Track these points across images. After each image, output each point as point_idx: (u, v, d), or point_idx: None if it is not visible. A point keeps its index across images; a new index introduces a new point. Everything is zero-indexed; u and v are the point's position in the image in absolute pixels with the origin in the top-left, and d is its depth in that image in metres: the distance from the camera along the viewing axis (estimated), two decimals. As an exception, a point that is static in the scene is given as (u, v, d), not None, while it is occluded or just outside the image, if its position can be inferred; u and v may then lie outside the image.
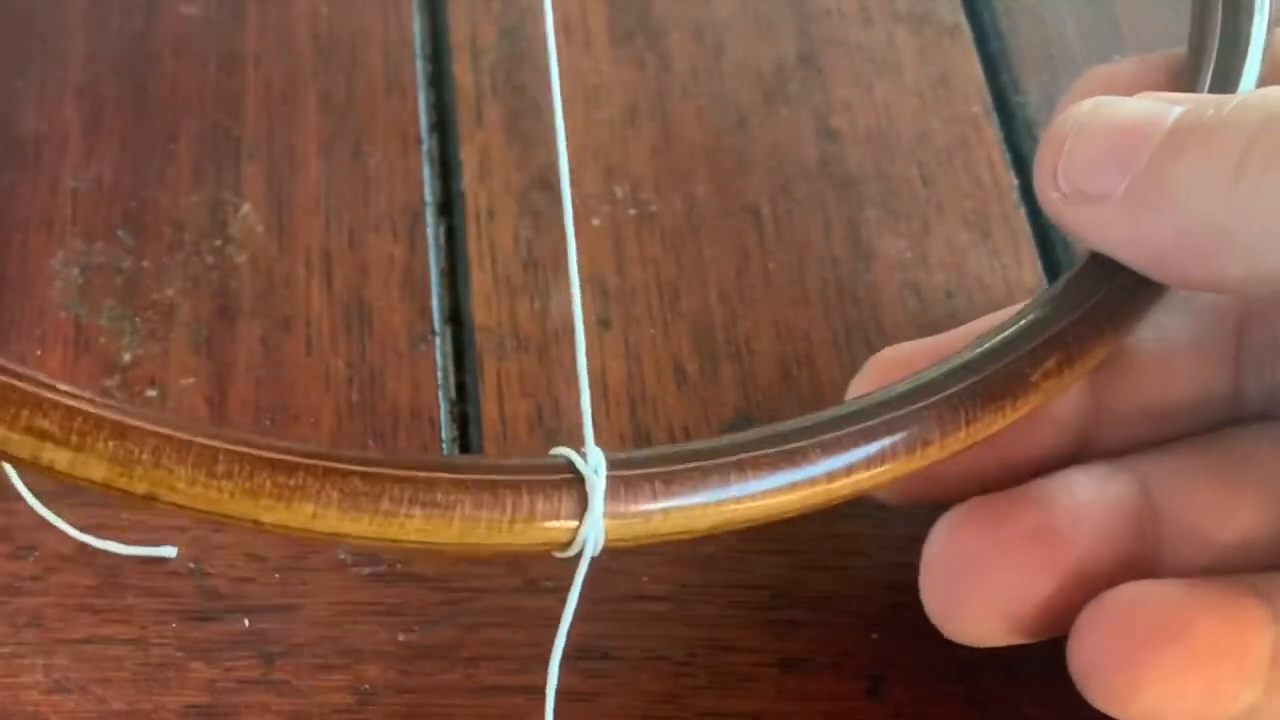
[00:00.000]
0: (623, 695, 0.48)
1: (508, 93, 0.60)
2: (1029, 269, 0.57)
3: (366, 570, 0.49)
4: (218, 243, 0.56)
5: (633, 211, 0.58)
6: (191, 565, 0.49)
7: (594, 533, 0.39)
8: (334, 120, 0.59)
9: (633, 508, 0.39)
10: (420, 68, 0.61)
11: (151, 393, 0.52)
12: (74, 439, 0.37)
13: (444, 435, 0.52)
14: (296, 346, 0.54)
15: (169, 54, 0.60)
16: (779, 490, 0.41)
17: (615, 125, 0.60)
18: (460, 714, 0.47)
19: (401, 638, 0.48)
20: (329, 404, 0.52)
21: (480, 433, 0.52)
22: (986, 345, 0.45)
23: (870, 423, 0.42)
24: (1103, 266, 0.46)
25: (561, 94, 0.60)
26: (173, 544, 0.49)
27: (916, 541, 0.50)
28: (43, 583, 0.48)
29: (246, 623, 0.48)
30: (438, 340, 0.54)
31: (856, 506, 0.51)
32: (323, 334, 0.54)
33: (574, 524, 0.39)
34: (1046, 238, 0.58)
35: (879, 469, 0.42)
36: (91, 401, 0.37)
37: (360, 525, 0.38)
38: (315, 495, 0.37)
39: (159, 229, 0.56)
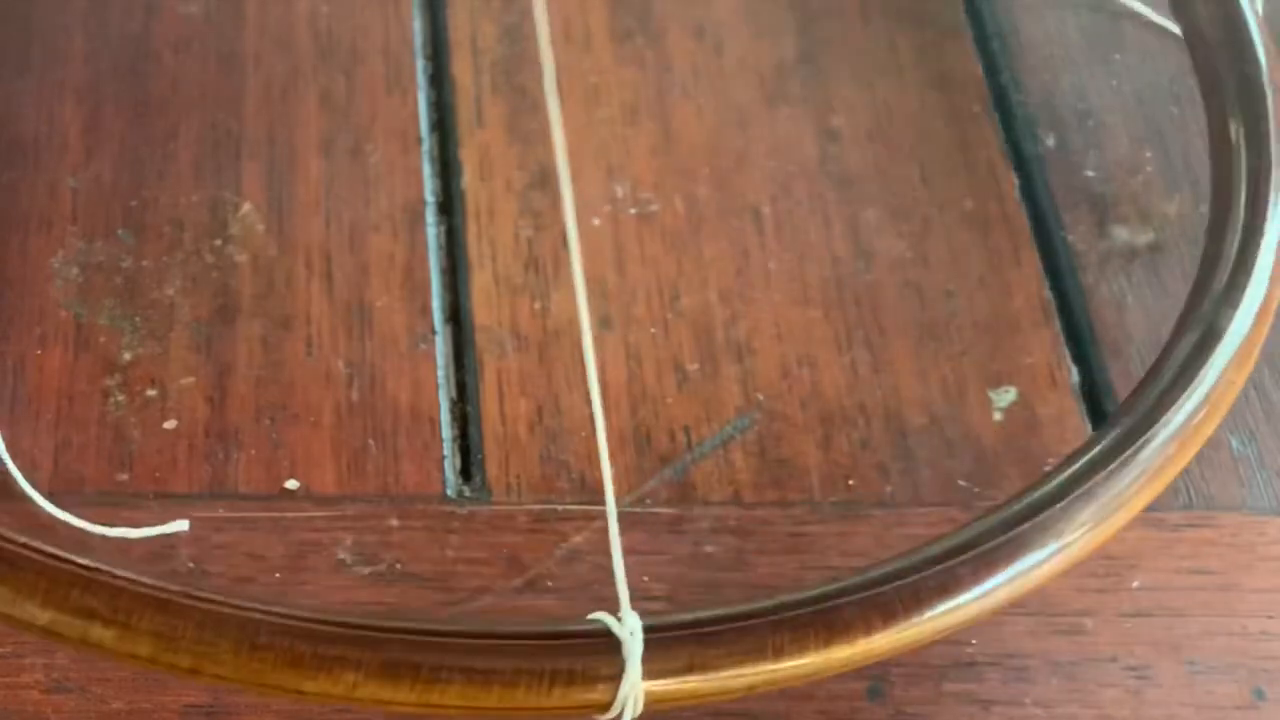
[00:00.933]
0: (623, 695, 0.48)
1: (508, 92, 0.60)
2: (1029, 269, 0.57)
3: (366, 570, 0.49)
4: (218, 242, 0.56)
5: (633, 211, 0.58)
6: (192, 565, 0.49)
7: (633, 696, 0.40)
8: (334, 120, 0.59)
9: (670, 670, 0.40)
10: (420, 67, 0.61)
11: (151, 392, 0.52)
12: (120, 617, 0.38)
13: (444, 435, 0.52)
14: (296, 346, 0.54)
15: (169, 54, 0.60)
16: (818, 651, 0.41)
17: (615, 125, 0.60)
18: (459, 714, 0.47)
19: (402, 637, 0.48)
20: (329, 404, 0.52)
21: (480, 433, 0.52)
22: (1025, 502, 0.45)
23: (906, 580, 0.42)
24: None
25: (561, 94, 0.60)
26: (171, 545, 0.49)
27: (918, 541, 0.50)
28: (43, 582, 0.48)
29: (246, 622, 0.48)
30: (438, 340, 0.54)
31: (856, 506, 0.51)
32: (323, 334, 0.54)
33: (612, 688, 0.40)
34: (1047, 238, 0.58)
35: (917, 622, 0.42)
36: (135, 581, 0.39)
37: (401, 693, 0.39)
38: (356, 664, 0.38)
39: (159, 229, 0.56)
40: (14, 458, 0.49)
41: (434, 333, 0.54)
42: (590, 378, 0.42)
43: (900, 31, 0.63)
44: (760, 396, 0.54)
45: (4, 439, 0.50)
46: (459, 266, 0.56)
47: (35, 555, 0.38)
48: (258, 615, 0.39)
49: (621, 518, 0.50)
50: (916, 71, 0.62)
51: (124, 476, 0.50)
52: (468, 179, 0.58)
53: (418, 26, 0.62)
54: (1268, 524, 0.52)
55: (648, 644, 0.40)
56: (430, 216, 0.57)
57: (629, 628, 0.40)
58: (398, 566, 0.49)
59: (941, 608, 0.42)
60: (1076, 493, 0.44)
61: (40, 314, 0.53)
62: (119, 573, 0.39)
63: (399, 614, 0.47)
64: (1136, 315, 0.56)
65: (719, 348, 0.55)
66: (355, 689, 0.38)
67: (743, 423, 0.53)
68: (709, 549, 0.50)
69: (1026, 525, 0.43)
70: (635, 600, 0.48)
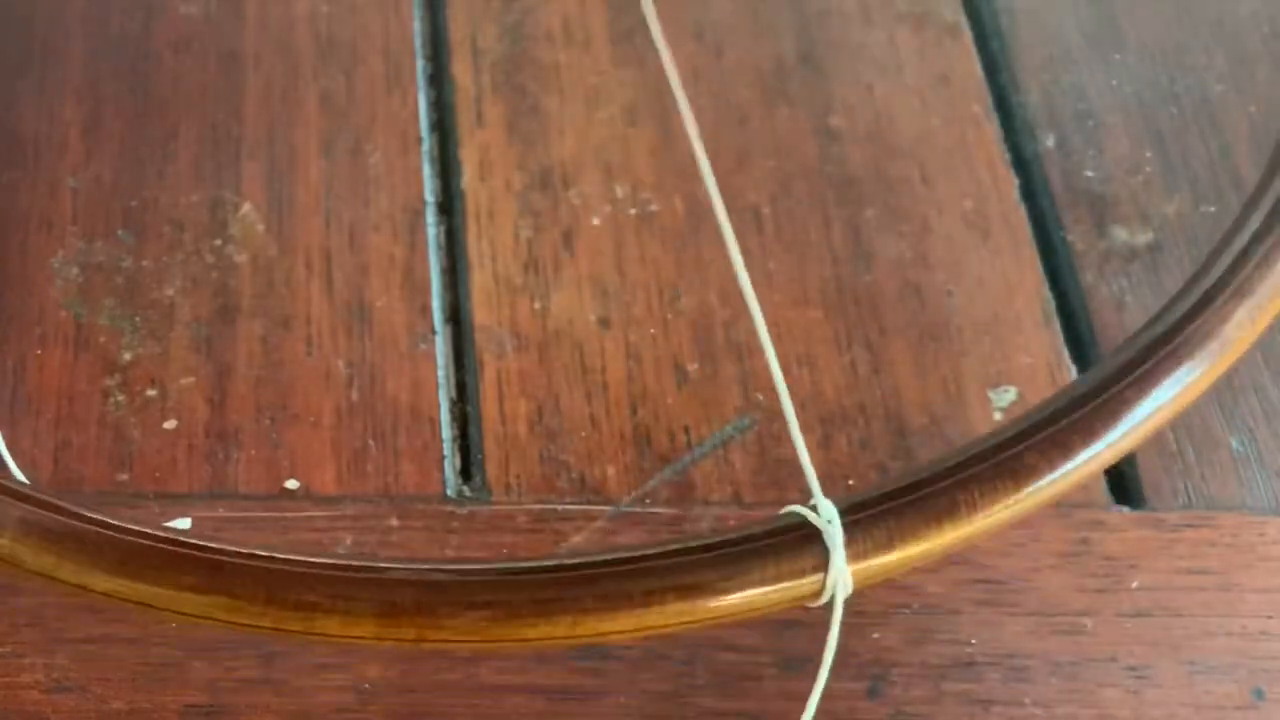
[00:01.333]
0: (623, 695, 0.48)
1: (508, 93, 0.60)
2: (1029, 269, 0.57)
3: (366, 570, 0.49)
4: (218, 242, 0.56)
5: (633, 211, 0.58)
6: (191, 565, 0.49)
7: (841, 580, 0.40)
8: (334, 120, 0.59)
9: (872, 549, 0.40)
10: (420, 68, 0.61)
11: (151, 392, 0.52)
12: (340, 605, 0.39)
13: (444, 435, 0.52)
14: (296, 346, 0.54)
15: (169, 54, 0.60)
16: (1007, 500, 0.41)
17: (615, 125, 0.60)
18: (460, 713, 0.47)
19: (401, 637, 0.48)
20: (329, 404, 0.52)
21: (480, 432, 0.52)
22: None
23: (1076, 415, 0.43)
24: None
25: (561, 94, 0.60)
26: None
27: (917, 541, 0.50)
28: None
29: (246, 622, 0.48)
30: (438, 340, 0.54)
31: (857, 506, 0.51)
32: (323, 334, 0.54)
33: (820, 577, 0.40)
34: (1046, 238, 0.58)
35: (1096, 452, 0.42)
36: (347, 567, 0.39)
37: (620, 622, 0.39)
38: (573, 604, 0.39)
39: (159, 229, 0.56)
40: (14, 457, 0.49)
41: (434, 333, 0.54)
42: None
43: (900, 31, 0.63)
44: (760, 396, 0.54)
45: (4, 439, 0.50)
46: (459, 266, 0.56)
47: (239, 559, 0.39)
48: (471, 578, 0.39)
49: (621, 517, 0.50)
50: (916, 71, 0.62)
51: (124, 476, 0.50)
52: (468, 179, 0.58)
53: (418, 26, 0.62)
54: (1267, 524, 0.52)
55: (846, 527, 0.40)
56: (430, 216, 0.57)
57: (825, 516, 0.40)
58: (398, 566, 0.49)
59: (1117, 432, 0.42)
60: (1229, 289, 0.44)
61: (40, 314, 0.53)
62: (325, 559, 0.40)
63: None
64: (1136, 315, 0.56)
65: (719, 348, 0.55)
66: (575, 628, 0.39)
67: (742, 423, 0.53)
68: (709, 549, 0.50)
69: (1160, 356, 0.44)
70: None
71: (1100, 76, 0.63)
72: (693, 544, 0.41)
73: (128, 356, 0.53)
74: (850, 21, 0.64)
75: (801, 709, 0.48)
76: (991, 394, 0.54)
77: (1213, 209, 0.59)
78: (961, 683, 0.48)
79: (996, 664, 0.48)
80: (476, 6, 0.63)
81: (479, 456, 0.52)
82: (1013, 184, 0.60)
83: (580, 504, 0.51)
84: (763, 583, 0.40)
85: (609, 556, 0.40)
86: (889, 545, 0.40)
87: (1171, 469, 0.53)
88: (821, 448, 0.53)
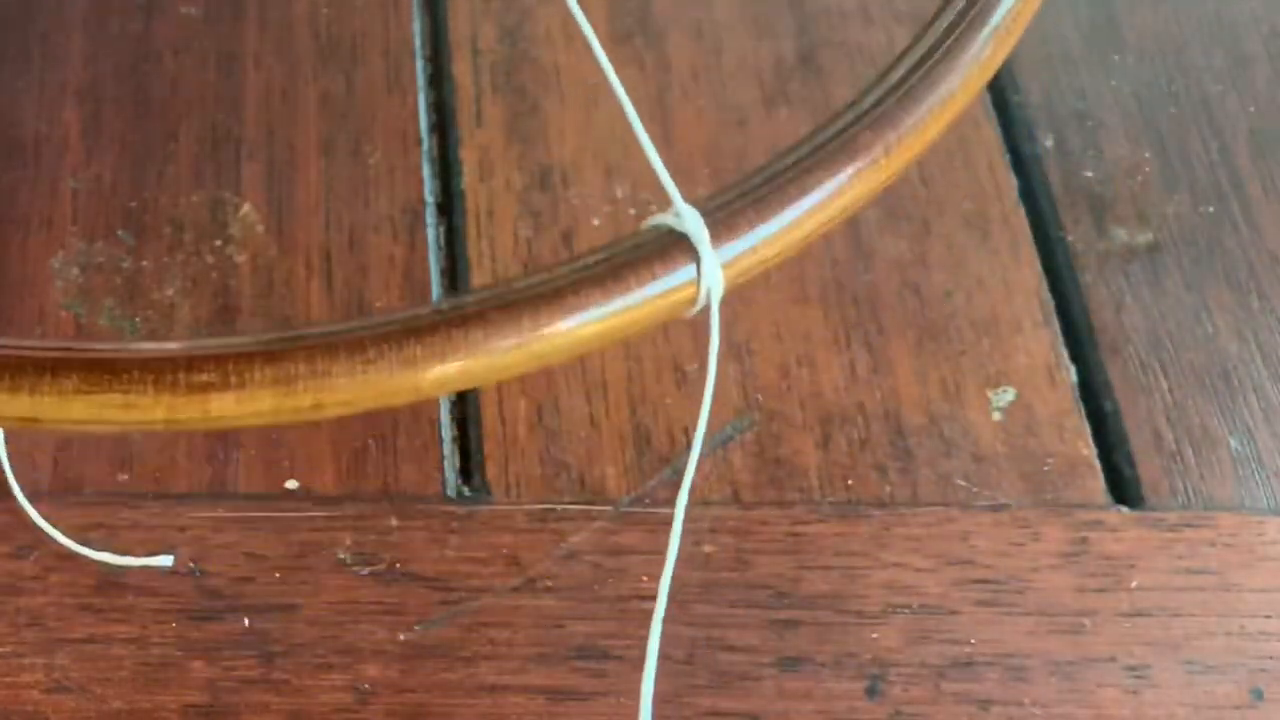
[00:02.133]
0: (623, 695, 0.48)
1: (508, 92, 0.60)
2: (1029, 269, 0.57)
3: (366, 570, 0.49)
4: (218, 243, 0.56)
5: (633, 211, 0.58)
6: (191, 565, 0.49)
7: (715, 281, 0.39)
8: (334, 120, 0.59)
9: (740, 243, 0.39)
10: (420, 68, 0.61)
11: (151, 392, 0.52)
12: (233, 379, 0.36)
13: (444, 435, 0.52)
14: (296, 346, 0.54)
15: (169, 54, 0.60)
16: (851, 182, 0.41)
17: (615, 125, 0.60)
18: (460, 713, 0.47)
19: (402, 637, 0.48)
20: (329, 404, 0.52)
21: (480, 432, 0.52)
22: None
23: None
24: None
25: (561, 94, 0.60)
26: (171, 545, 0.49)
27: (917, 541, 0.50)
28: (43, 583, 0.48)
29: (246, 622, 0.48)
30: (438, 340, 0.54)
31: (855, 506, 0.51)
32: (323, 334, 0.54)
33: (692, 279, 0.39)
34: (1046, 238, 0.58)
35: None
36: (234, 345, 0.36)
37: (511, 355, 0.37)
38: (463, 342, 0.36)
39: (159, 229, 0.56)
40: (14, 458, 0.49)
41: (434, 333, 0.54)
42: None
43: (900, 31, 0.63)
44: (759, 396, 0.54)
45: (4, 438, 0.50)
46: (459, 266, 0.56)
47: (123, 355, 0.36)
48: (365, 335, 0.37)
49: (621, 517, 0.50)
50: (916, 71, 0.62)
51: (124, 476, 0.50)
52: (467, 179, 0.58)
53: (418, 26, 0.62)
54: (1266, 524, 0.52)
55: (711, 228, 0.39)
56: (430, 217, 0.57)
57: (689, 221, 0.39)
58: (397, 566, 0.49)
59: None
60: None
61: (40, 314, 0.53)
62: (205, 342, 0.37)
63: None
64: (1135, 315, 0.56)
65: (719, 348, 0.55)
66: (471, 362, 0.37)
67: (742, 423, 0.53)
68: (708, 549, 0.50)
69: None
70: (637, 599, 0.48)
71: (1100, 77, 0.63)
72: (564, 268, 0.39)
73: (128, 357, 0.53)
74: (850, 21, 0.64)
75: (801, 709, 0.48)
76: (990, 394, 0.54)
77: (1212, 209, 0.59)
78: (960, 682, 0.48)
79: (995, 664, 0.49)
80: (476, 7, 0.63)
81: (479, 456, 0.52)
82: (1012, 184, 0.60)
83: (580, 504, 0.51)
84: (639, 291, 0.38)
85: (490, 293, 0.37)
86: (755, 240, 0.39)
87: (1170, 469, 0.53)
88: (821, 447, 0.53)
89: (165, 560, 0.49)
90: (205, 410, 0.36)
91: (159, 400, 0.36)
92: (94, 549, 0.48)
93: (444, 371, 0.37)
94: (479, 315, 0.37)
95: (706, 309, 0.40)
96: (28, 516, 0.48)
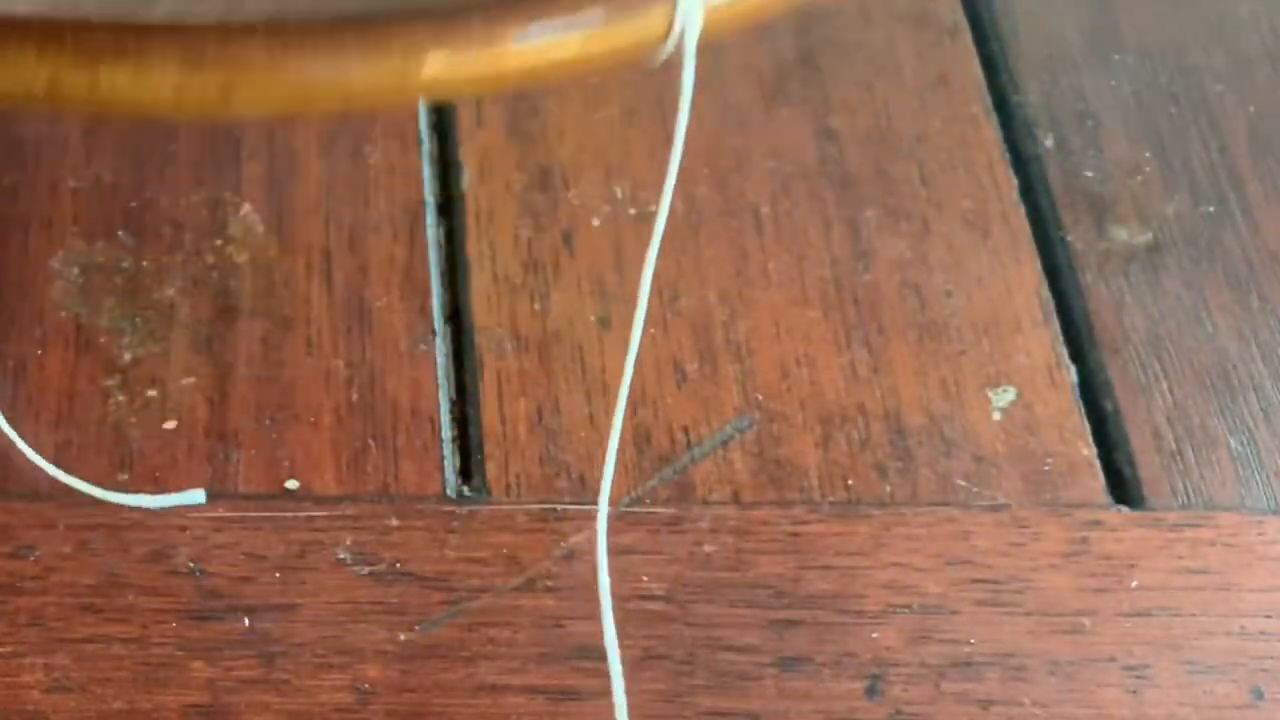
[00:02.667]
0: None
1: (508, 92, 0.60)
2: (1029, 269, 0.57)
3: (366, 570, 0.49)
4: (218, 243, 0.56)
5: (632, 211, 0.58)
6: (191, 564, 0.49)
7: (691, 16, 0.36)
8: (334, 120, 0.59)
9: None
10: (420, 68, 0.61)
11: (152, 392, 0.52)
12: (133, 49, 0.32)
13: (444, 435, 0.52)
14: (296, 346, 0.54)
15: (169, 54, 0.60)
16: None
17: (615, 125, 0.60)
18: (460, 713, 0.47)
19: (402, 637, 0.48)
20: (329, 404, 0.52)
21: (480, 433, 0.52)
22: None
23: None
24: None
25: (561, 94, 0.60)
26: (171, 545, 0.49)
27: (917, 541, 0.50)
28: (43, 583, 0.48)
29: (246, 622, 0.48)
30: (438, 340, 0.54)
31: (855, 506, 0.51)
32: (323, 334, 0.54)
33: (667, 11, 0.35)
34: (1046, 238, 0.58)
35: None
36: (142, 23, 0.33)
37: (469, 67, 0.34)
38: (405, 36, 0.33)
39: (159, 229, 0.56)
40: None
41: (434, 333, 0.54)
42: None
43: (900, 31, 0.63)
44: (759, 396, 0.54)
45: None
46: (459, 267, 0.56)
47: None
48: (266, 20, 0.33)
49: (621, 517, 0.50)
50: (916, 71, 0.62)
51: (124, 476, 0.50)
52: (468, 179, 0.58)
53: (418, 27, 0.62)
54: (1266, 524, 0.52)
55: None
56: (430, 217, 0.57)
57: None
58: (397, 566, 0.49)
59: None
60: None
61: (41, 315, 0.54)
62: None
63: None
64: (1135, 315, 0.56)
65: (718, 348, 0.55)
66: (407, 61, 0.33)
67: (742, 423, 0.53)
68: (708, 549, 0.50)
69: None
70: (636, 599, 0.48)
71: (1100, 77, 0.63)
72: None
73: (128, 357, 0.53)
74: (850, 21, 0.64)
75: (801, 710, 0.48)
76: (990, 393, 0.54)
77: (1212, 209, 0.59)
78: (960, 682, 0.48)
79: (995, 663, 0.49)
80: (476, 7, 0.63)
81: (479, 456, 0.52)
82: (1012, 184, 0.60)
83: (580, 504, 0.51)
84: (607, 24, 0.35)
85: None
86: None
87: (1171, 469, 0.53)
88: (821, 447, 0.53)
89: (198, 496, 0.49)
90: (94, 81, 0.32)
91: (42, 62, 0.31)
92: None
93: (377, 73, 0.33)
94: (427, 14, 0.33)
95: (679, 55, 0.35)
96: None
